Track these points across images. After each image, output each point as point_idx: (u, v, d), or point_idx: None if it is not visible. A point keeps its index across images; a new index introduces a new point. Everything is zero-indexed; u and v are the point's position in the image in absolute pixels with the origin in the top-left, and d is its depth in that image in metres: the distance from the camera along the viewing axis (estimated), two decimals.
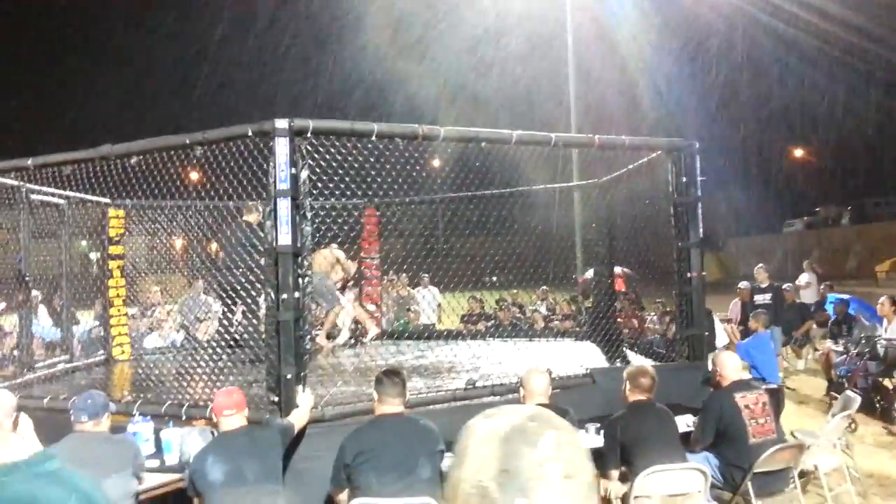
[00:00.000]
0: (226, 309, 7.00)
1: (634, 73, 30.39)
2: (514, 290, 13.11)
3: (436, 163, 7.94)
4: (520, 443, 1.03)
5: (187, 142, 5.22)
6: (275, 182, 4.85)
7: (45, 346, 8.71)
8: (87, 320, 9.51)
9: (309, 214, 5.04)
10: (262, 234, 6.43)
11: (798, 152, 44.15)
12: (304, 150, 4.96)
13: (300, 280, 4.92)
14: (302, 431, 4.71)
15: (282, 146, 4.83)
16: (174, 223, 8.84)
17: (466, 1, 22.96)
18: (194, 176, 6.79)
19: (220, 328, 6.83)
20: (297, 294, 4.87)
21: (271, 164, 4.87)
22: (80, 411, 4.18)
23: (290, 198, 4.84)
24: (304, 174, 4.99)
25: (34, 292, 8.54)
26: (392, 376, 4.35)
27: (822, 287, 13.39)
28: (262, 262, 6.56)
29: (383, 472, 3.95)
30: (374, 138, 5.29)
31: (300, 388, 4.86)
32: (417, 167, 6.01)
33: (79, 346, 8.90)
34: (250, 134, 5.00)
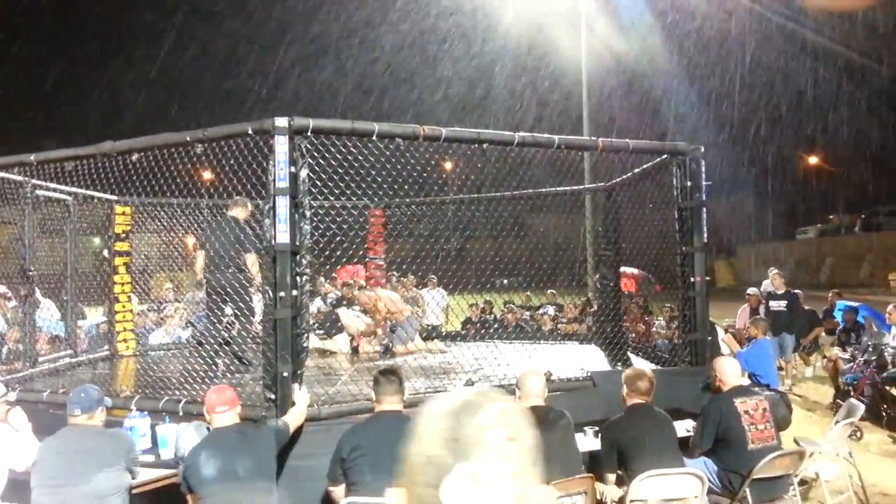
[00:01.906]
0: (216, 308, 6.92)
1: (649, 80, 30.35)
2: (525, 293, 13.10)
3: (447, 165, 7.97)
4: (465, 415, 1.12)
5: (188, 139, 5.23)
6: (274, 180, 4.85)
7: (50, 340, 8.75)
8: (94, 315, 9.56)
9: (308, 213, 5.04)
10: (249, 231, 6.47)
11: (812, 159, 43.86)
12: (303, 149, 4.95)
13: (298, 278, 4.92)
14: (299, 429, 4.70)
15: (281, 144, 4.84)
16: (175, 220, 8.86)
17: (477, 9, 22.94)
18: (196, 173, 6.79)
19: (211, 328, 6.80)
20: (294, 292, 4.87)
21: (271, 162, 4.87)
22: (73, 405, 4.19)
23: (288, 196, 4.84)
24: (304, 173, 4.99)
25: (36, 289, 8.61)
26: (389, 375, 4.38)
27: (830, 294, 13.28)
28: (250, 259, 6.65)
29: (378, 469, 3.94)
30: (374, 138, 5.28)
31: (297, 386, 4.86)
32: (428, 167, 6.03)
33: (86, 341, 8.95)
34: (250, 132, 5.01)
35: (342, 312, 9.07)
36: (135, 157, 5.57)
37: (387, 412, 4.26)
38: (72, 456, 4.03)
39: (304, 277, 4.99)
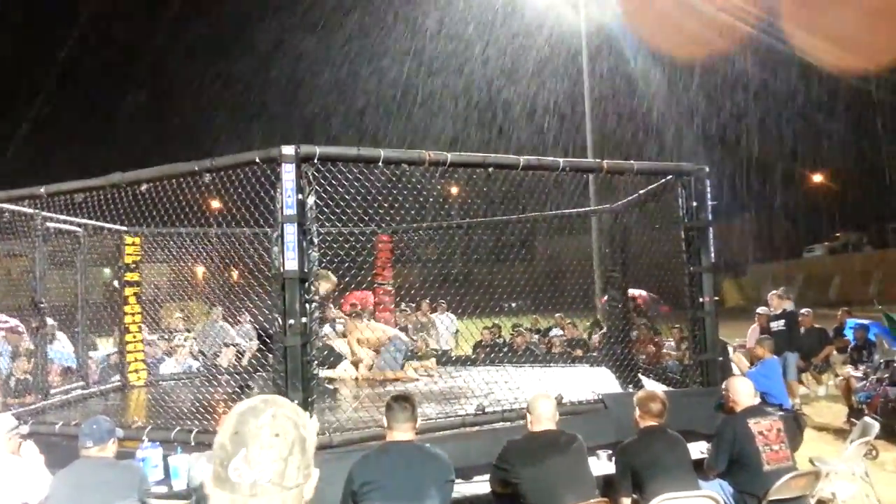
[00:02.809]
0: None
1: (654, 100, 30.47)
2: (532, 316, 13.09)
3: (453, 189, 8.01)
4: (249, 415, 1.52)
5: (196, 168, 5.28)
6: (282, 208, 4.89)
7: (62, 372, 8.77)
8: (106, 346, 9.60)
9: (316, 240, 5.07)
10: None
11: (818, 177, 43.81)
12: (310, 177, 4.99)
13: (307, 305, 4.93)
14: None
15: (288, 172, 4.88)
16: (185, 250, 8.92)
17: (481, 30, 23.16)
18: (205, 202, 6.84)
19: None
20: (304, 319, 4.88)
21: (278, 190, 4.91)
22: (85, 437, 4.19)
23: (296, 223, 4.87)
24: (311, 200, 5.03)
25: (50, 320, 8.65)
26: (402, 402, 4.29)
27: (840, 312, 13.21)
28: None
29: (390, 502, 3.90)
30: (380, 164, 5.32)
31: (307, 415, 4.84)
32: (433, 193, 6.06)
33: (98, 372, 8.98)
34: (258, 161, 5.05)
35: (335, 343, 9.07)
36: (144, 187, 5.62)
37: (398, 443, 4.18)
38: (84, 489, 4.01)
39: (313, 304, 5.00)
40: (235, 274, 9.52)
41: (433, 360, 9.13)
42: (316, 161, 5.06)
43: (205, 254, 9.29)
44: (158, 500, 4.52)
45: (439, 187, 6.09)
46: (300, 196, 4.92)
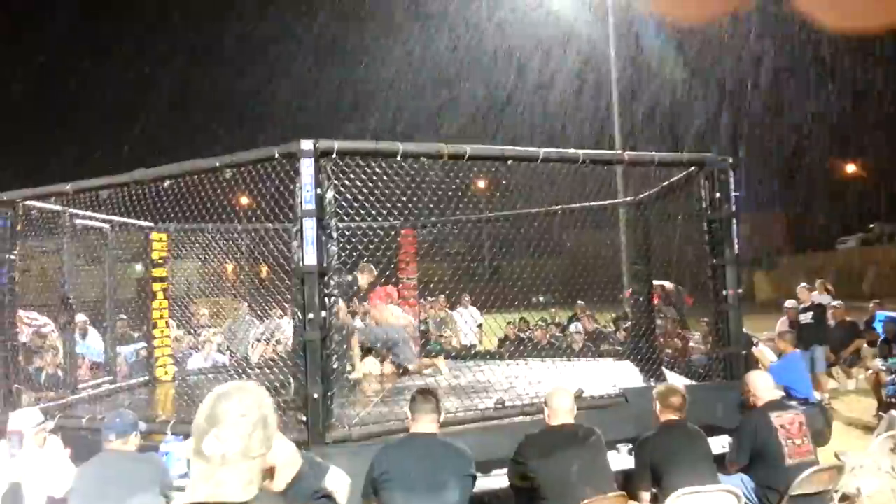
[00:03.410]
0: None
1: (687, 90, 30.16)
2: (553, 310, 13.05)
3: (481, 184, 8.00)
4: (221, 399, 1.81)
5: (217, 164, 5.33)
6: (301, 203, 4.92)
7: (91, 367, 8.92)
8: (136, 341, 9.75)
9: (335, 234, 5.09)
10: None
11: (851, 167, 43.08)
12: (329, 171, 5.02)
13: (326, 300, 4.96)
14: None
15: (307, 167, 4.91)
16: (211, 247, 9.01)
17: (505, 24, 23.07)
18: (226, 198, 6.91)
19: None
20: (323, 313, 4.91)
21: (297, 184, 4.94)
22: (108, 430, 4.26)
23: (315, 218, 4.90)
24: (330, 194, 5.06)
25: (81, 316, 8.80)
26: (426, 395, 4.31)
27: (871, 304, 12.99)
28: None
29: (409, 493, 3.91)
30: (399, 158, 5.33)
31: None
32: (453, 186, 6.05)
33: (127, 368, 9.12)
34: (277, 156, 5.09)
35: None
36: (167, 183, 5.69)
37: (420, 435, 4.19)
38: (106, 482, 4.07)
39: (332, 299, 5.03)
40: (265, 269, 9.60)
41: (442, 357, 9.08)
42: (335, 156, 5.08)
43: (232, 250, 9.37)
44: (180, 493, 4.56)
45: (458, 180, 6.03)
46: (319, 191, 4.94)
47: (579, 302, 11.98)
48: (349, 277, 7.63)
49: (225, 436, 1.75)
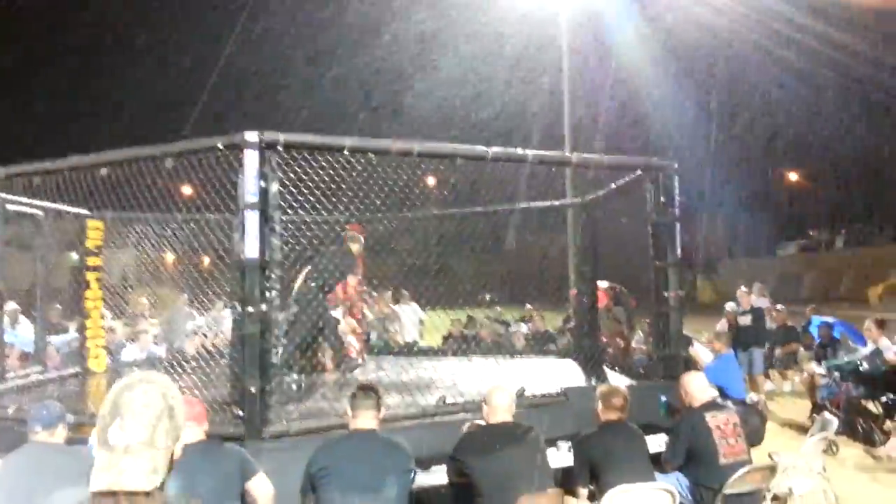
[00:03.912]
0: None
1: (630, 94, 30.55)
2: (500, 309, 13.08)
3: (430, 180, 7.94)
4: (125, 390, 1.83)
5: (157, 154, 5.19)
6: (244, 195, 4.82)
7: (21, 357, 8.63)
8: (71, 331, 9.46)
9: (278, 227, 5.01)
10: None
11: (792, 175, 44.22)
12: (273, 164, 4.93)
13: (267, 293, 4.87)
14: None
15: (251, 159, 4.81)
16: (148, 236, 8.77)
17: (461, 17, 23.06)
18: (171, 187, 6.74)
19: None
20: (263, 307, 4.82)
21: (241, 176, 4.84)
22: (34, 422, 4.10)
23: (258, 210, 4.81)
24: (275, 187, 4.98)
25: (11, 304, 8.50)
26: (367, 391, 4.26)
27: (808, 309, 13.37)
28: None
29: (347, 490, 3.86)
30: (346, 153, 5.26)
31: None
32: (400, 182, 6.00)
33: (59, 358, 8.84)
34: (220, 147, 4.98)
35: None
36: (104, 171, 5.52)
37: (360, 431, 4.14)
38: (32, 474, 3.92)
39: (273, 292, 4.95)
40: (207, 260, 9.39)
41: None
42: (280, 148, 4.99)
43: (171, 239, 9.13)
44: None
45: (406, 177, 5.98)
46: (263, 183, 4.86)
47: (527, 306, 12.06)
48: (343, 249, 7.61)
49: (129, 426, 1.78)
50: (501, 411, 4.43)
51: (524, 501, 3.94)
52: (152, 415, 1.82)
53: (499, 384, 4.76)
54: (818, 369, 9.52)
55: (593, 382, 6.70)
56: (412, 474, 4.05)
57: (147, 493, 1.78)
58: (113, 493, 1.76)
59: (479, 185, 7.10)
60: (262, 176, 4.86)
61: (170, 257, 9.75)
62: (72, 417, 4.50)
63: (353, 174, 5.62)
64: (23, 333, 8.86)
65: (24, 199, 7.26)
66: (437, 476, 4.74)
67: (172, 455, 1.88)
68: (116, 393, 1.85)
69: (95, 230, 8.47)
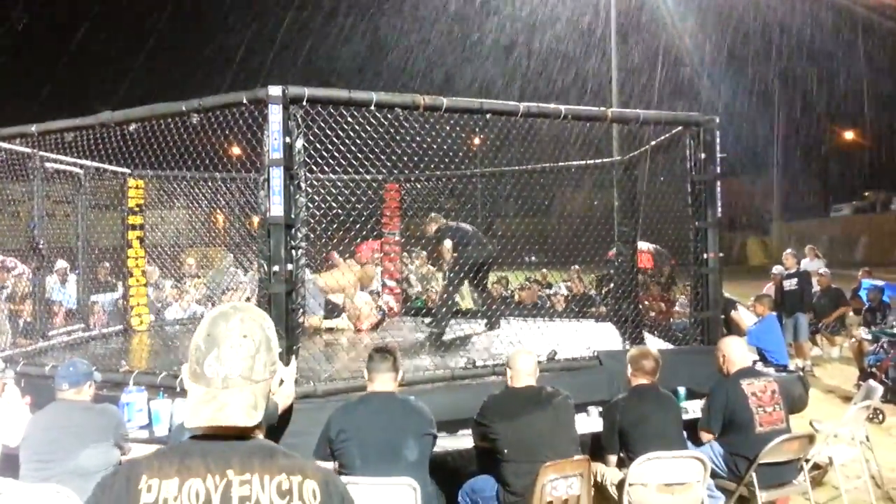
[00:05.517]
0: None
1: (682, 53, 29.74)
2: (544, 271, 12.92)
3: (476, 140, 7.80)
4: (220, 319, 1.71)
5: (183, 109, 5.14)
6: (268, 151, 4.75)
7: (67, 314, 8.79)
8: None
9: (304, 185, 4.93)
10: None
11: (847, 135, 42.76)
12: (298, 119, 4.84)
13: (293, 252, 4.82)
14: (290, 408, 4.55)
15: (275, 114, 4.73)
16: (184, 194, 8.81)
17: None
18: (197, 144, 6.72)
19: None
20: (289, 266, 4.78)
21: (265, 132, 4.77)
22: (61, 379, 4.14)
23: (283, 167, 4.73)
24: (300, 143, 4.88)
25: (61, 262, 8.65)
26: (383, 353, 4.20)
27: (860, 272, 12.94)
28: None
29: (367, 452, 3.81)
30: (373, 107, 5.14)
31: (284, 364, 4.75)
32: (438, 139, 5.87)
33: (105, 316, 8.98)
34: (245, 101, 4.91)
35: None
36: (132, 126, 5.50)
37: (378, 394, 4.09)
38: (58, 431, 3.97)
39: (300, 251, 4.89)
40: (256, 220, 9.43)
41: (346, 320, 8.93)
42: (305, 103, 4.90)
43: (212, 199, 9.15)
44: (138, 444, 4.46)
45: (443, 135, 5.84)
46: (287, 139, 4.77)
47: (574, 266, 11.84)
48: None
49: (226, 357, 1.67)
50: (525, 375, 4.32)
51: (548, 467, 3.86)
52: (251, 346, 1.70)
53: (522, 348, 4.66)
54: (865, 335, 9.22)
55: (628, 346, 6.55)
56: (433, 438, 3.99)
57: (251, 430, 1.69)
58: (215, 429, 1.65)
59: (524, 143, 6.94)
60: (287, 131, 4.77)
61: (218, 218, 9.83)
62: (99, 375, 4.53)
63: (392, 130, 5.51)
64: (71, 291, 9.01)
65: (63, 157, 7.31)
66: (464, 440, 4.70)
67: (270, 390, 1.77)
68: (210, 323, 1.72)
69: (136, 189, 8.52)
